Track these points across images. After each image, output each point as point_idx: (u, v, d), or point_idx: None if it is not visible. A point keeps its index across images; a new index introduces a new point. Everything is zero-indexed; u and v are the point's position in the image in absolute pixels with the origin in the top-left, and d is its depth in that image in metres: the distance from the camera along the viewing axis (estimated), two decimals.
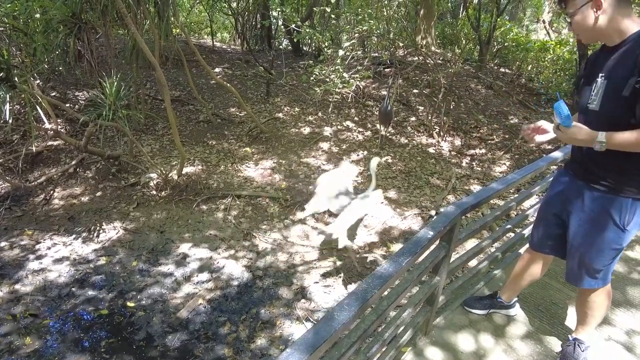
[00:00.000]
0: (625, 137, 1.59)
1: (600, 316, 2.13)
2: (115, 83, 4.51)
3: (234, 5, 9.22)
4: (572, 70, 9.09)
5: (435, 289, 2.16)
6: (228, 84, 6.35)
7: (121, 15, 4.48)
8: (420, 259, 2.05)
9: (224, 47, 11.63)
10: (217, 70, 9.11)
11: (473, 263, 3.30)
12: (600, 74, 1.69)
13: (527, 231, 3.09)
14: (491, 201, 5.22)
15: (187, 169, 5.66)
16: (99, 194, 5.29)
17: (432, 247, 2.13)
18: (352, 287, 3.87)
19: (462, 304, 2.66)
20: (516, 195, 3.15)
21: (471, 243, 4.04)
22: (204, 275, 4.14)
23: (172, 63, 8.48)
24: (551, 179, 3.05)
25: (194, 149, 6.27)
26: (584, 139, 1.68)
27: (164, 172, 5.27)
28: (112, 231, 4.71)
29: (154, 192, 5.27)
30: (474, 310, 2.62)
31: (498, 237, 2.66)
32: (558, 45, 9.92)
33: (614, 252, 1.88)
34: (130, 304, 3.76)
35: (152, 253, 4.44)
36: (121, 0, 4.27)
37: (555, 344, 2.40)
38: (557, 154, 2.94)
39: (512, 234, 3.44)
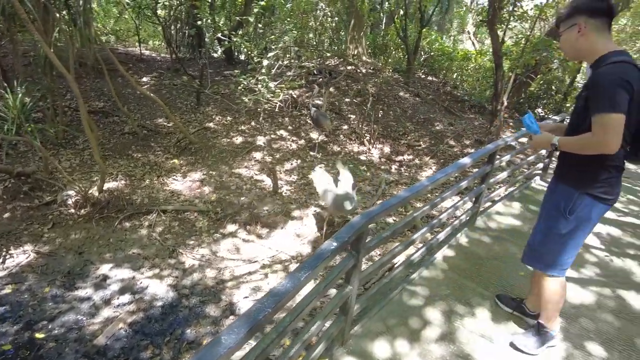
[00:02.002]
0: (567, 141, 1.96)
1: (555, 303, 2.31)
2: (20, 94, 4.17)
3: (161, 13, 8.91)
4: (492, 78, 9.73)
5: (348, 298, 2.17)
6: (152, 95, 6.11)
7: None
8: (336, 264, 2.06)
9: (153, 55, 11.20)
10: (144, 79, 8.74)
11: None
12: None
13: (442, 235, 3.23)
14: (418, 205, 5.44)
15: (110, 184, 5.34)
16: (6, 215, 4.83)
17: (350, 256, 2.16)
18: None
19: (496, 298, 2.86)
20: (430, 199, 3.27)
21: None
22: (126, 297, 3.91)
23: (96, 72, 7.99)
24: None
25: (117, 162, 5.94)
26: (546, 142, 2.04)
27: (83, 188, 4.93)
28: (21, 255, 4.32)
29: (72, 211, 4.92)
30: (503, 306, 2.81)
31: (411, 242, 2.74)
32: (479, 55, 10.59)
33: (555, 238, 2.13)
34: (39, 335, 3.45)
35: (68, 277, 4.13)
36: (22, 5, 3.96)
37: (467, 343, 2.51)
38: (466, 160, 3.11)
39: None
